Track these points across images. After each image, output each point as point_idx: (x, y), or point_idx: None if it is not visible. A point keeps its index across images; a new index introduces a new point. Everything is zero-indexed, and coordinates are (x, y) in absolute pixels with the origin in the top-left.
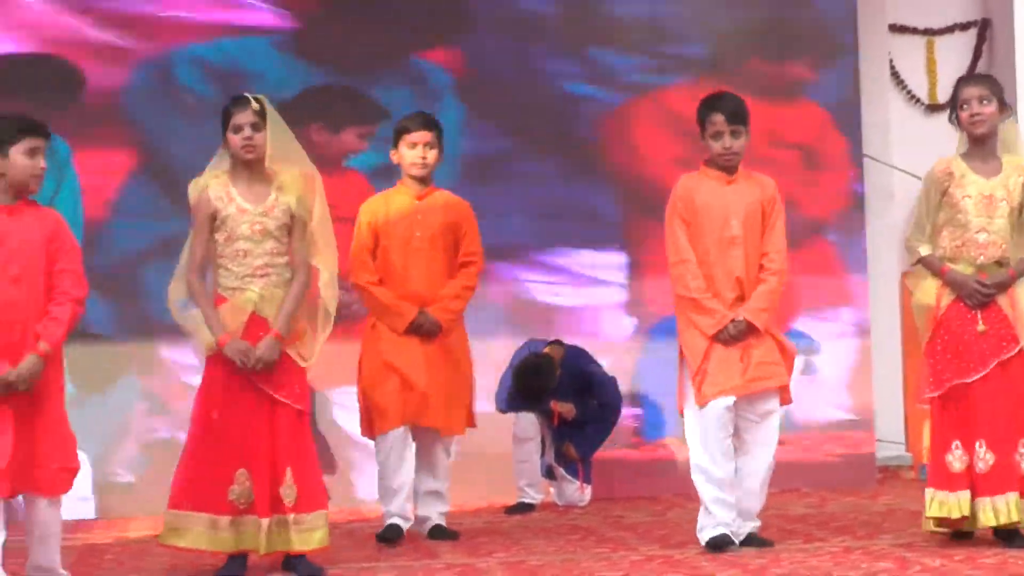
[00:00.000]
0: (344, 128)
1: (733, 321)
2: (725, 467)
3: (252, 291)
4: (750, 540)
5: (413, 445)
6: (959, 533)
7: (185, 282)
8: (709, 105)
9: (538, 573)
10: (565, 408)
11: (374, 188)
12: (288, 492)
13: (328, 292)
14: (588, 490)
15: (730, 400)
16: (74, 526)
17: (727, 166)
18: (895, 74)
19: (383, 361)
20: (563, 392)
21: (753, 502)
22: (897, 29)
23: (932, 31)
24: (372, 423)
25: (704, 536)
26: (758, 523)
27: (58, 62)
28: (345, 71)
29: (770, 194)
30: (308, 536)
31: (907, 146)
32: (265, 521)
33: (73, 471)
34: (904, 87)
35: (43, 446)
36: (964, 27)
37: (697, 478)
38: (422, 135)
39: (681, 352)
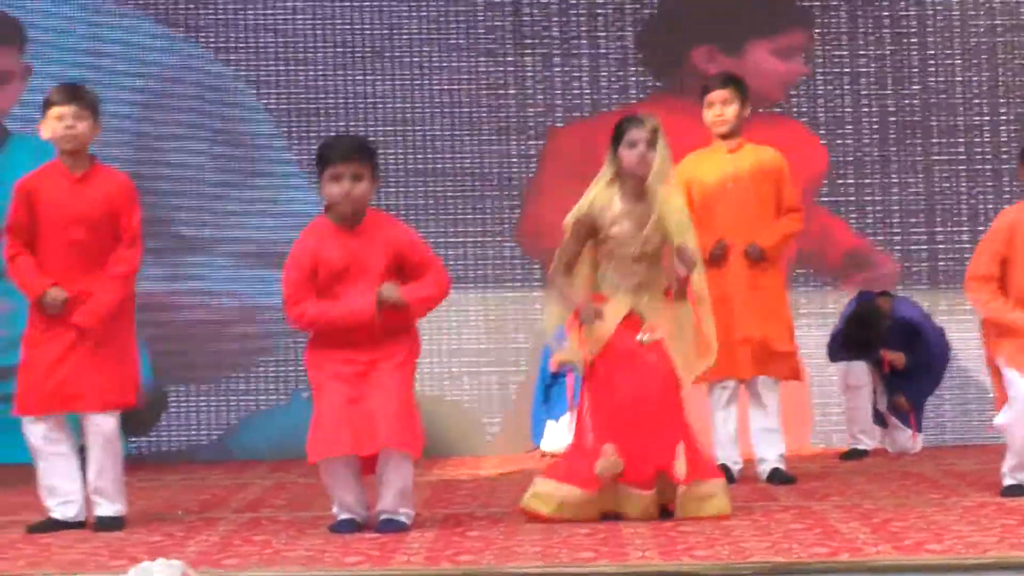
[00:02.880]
0: None
1: None
2: None
3: (630, 297)
4: None
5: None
6: None
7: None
8: None
9: (872, 517)
10: (895, 356)
11: None
12: (678, 464)
13: (699, 279)
14: (919, 438)
15: None
16: (431, 463)
17: None
18: None
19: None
20: (892, 342)
21: None
22: None
23: None
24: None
25: (1004, 482)
26: None
27: None
28: None
29: None
30: (701, 505)
31: None
32: (647, 494)
33: (416, 433)
34: None
35: (391, 407)
36: None
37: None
38: (719, 94)
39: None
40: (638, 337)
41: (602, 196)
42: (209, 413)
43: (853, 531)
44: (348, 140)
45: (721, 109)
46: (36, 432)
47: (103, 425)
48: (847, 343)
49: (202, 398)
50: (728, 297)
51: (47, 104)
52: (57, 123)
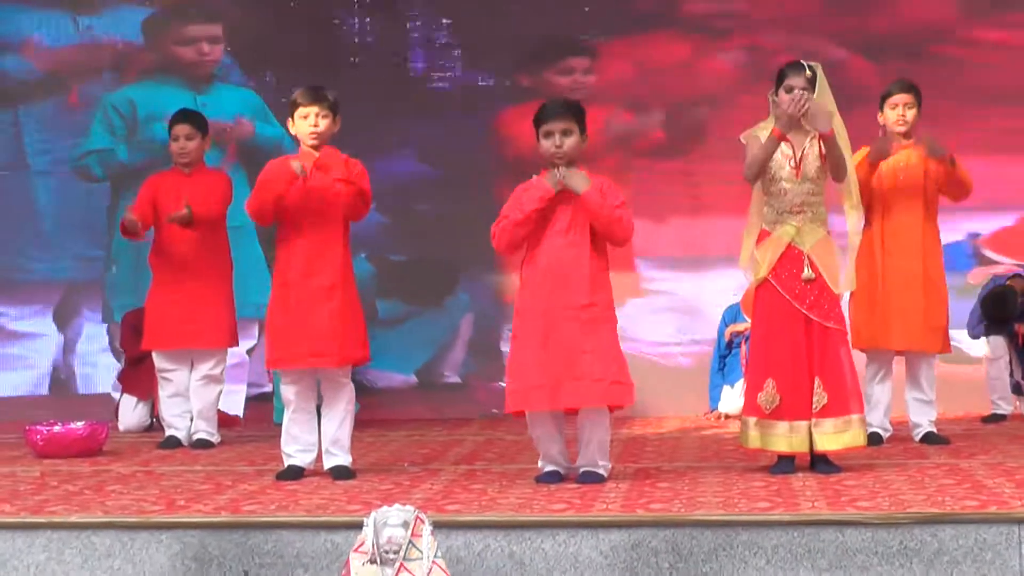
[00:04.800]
0: None
1: None
2: None
3: (790, 225)
4: None
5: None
6: None
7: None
8: None
9: (1015, 473)
10: None
11: None
12: (817, 399)
13: (854, 235)
14: None
15: None
16: (620, 423)
17: None
18: None
19: (876, 278)
20: None
21: None
22: None
23: None
24: (861, 337)
25: None
26: None
27: None
28: None
29: None
30: (834, 437)
31: None
32: (799, 424)
33: (624, 385)
34: None
35: (597, 365)
36: None
37: None
38: (903, 97)
39: None
40: (803, 276)
41: (765, 130)
42: None
43: (999, 486)
44: (560, 101)
45: (904, 111)
46: (291, 389)
47: (345, 382)
48: (984, 321)
49: None
50: (892, 271)
51: (294, 104)
52: (303, 122)
